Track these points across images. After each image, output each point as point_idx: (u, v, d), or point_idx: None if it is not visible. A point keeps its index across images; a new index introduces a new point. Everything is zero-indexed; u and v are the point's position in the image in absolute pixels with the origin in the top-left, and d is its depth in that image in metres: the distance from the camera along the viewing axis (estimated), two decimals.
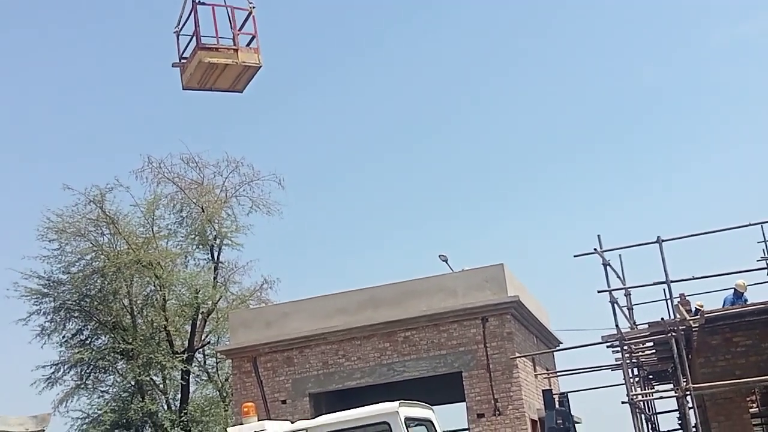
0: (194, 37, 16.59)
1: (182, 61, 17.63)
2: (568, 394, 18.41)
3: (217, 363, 29.85)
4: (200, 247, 29.77)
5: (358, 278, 54.28)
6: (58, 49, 54.53)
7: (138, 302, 28.88)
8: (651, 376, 22.78)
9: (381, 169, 59.36)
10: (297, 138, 57.10)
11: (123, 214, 28.59)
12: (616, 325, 16.96)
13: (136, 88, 54.93)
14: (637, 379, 21.00)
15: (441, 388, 20.74)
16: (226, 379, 28.67)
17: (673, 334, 16.31)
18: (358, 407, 13.51)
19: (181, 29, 17.30)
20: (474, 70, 59.25)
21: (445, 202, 57.20)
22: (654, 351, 19.28)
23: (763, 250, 22.75)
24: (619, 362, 18.47)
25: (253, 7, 17.35)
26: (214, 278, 29.16)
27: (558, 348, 24.56)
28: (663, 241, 16.46)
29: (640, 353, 19.57)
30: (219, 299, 29.12)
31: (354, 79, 59.62)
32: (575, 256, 17.24)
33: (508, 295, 20.02)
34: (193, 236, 29.53)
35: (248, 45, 17.19)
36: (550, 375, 22.61)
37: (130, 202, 28.80)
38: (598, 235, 17.05)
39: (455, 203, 57.09)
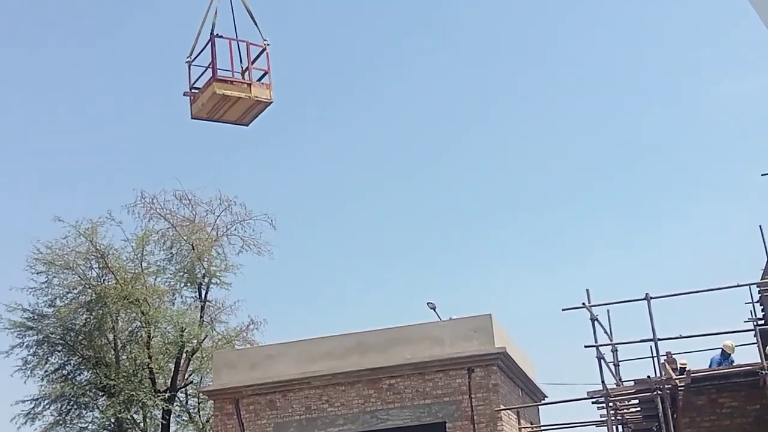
0: (210, 69, 17.09)
1: (193, 90, 18.23)
2: None
3: (199, 403, 29.59)
4: (188, 284, 29.68)
5: (346, 323, 54.16)
6: (52, 77, 54.86)
7: (122, 338, 28.72)
8: None
9: (373, 213, 59.52)
10: (291, 179, 57.25)
11: (113, 248, 28.57)
12: (602, 381, 16.89)
13: (133, 122, 55.17)
14: None
15: None
16: (208, 420, 28.39)
17: (659, 392, 16.25)
18: None
19: (193, 59, 17.81)
20: (462, 115, 59.71)
21: (436, 250, 57.20)
22: (639, 409, 19.18)
23: (751, 311, 22.83)
24: (603, 419, 18.37)
25: (268, 44, 17.99)
26: (201, 317, 29.02)
27: (543, 402, 24.41)
28: (651, 298, 16.47)
29: (625, 410, 19.46)
30: (204, 338, 28.94)
31: (348, 120, 60.05)
32: (563, 309, 17.24)
33: (495, 346, 19.94)
34: (181, 274, 29.46)
35: (260, 80, 17.75)
36: (534, 429, 22.44)
37: (121, 237, 28.82)
38: (587, 290, 17.08)
39: (446, 251, 57.09)
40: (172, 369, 28.51)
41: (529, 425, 22.43)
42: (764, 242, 21.48)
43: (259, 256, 30.09)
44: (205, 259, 29.22)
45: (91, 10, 54.03)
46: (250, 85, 17.63)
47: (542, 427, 22.19)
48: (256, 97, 17.72)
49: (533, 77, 60.28)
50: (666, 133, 58.83)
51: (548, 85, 59.90)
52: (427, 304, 24.12)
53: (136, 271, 28.53)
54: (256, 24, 18.14)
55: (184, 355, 28.43)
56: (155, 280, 29.25)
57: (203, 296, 29.50)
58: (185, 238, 29.25)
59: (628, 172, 58.27)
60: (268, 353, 21.93)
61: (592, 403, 17.93)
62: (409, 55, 60.65)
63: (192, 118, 18.39)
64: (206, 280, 29.46)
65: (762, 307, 23.31)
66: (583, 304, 17.01)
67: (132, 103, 55.41)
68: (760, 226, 21.32)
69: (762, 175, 18.33)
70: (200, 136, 55.51)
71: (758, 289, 22.63)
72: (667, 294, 17.03)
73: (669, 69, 58.58)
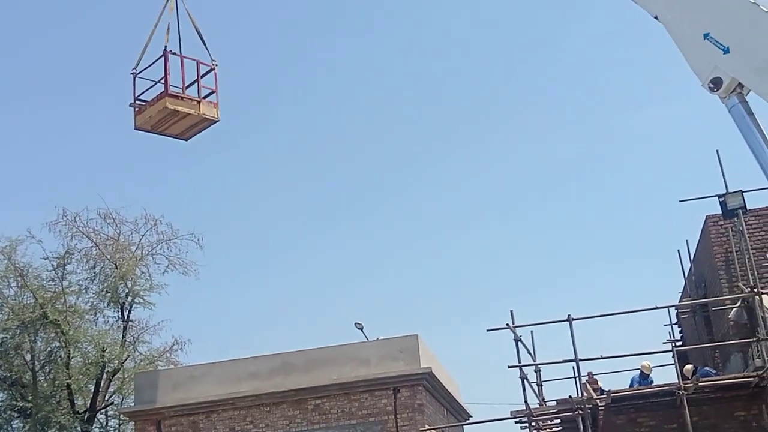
0: (162, 83, 17.77)
1: (138, 102, 18.49)
2: None
3: (119, 425, 28.93)
4: (111, 304, 29.09)
5: (272, 343, 53.60)
6: None
7: (41, 358, 27.94)
8: None
9: (300, 234, 59.26)
10: (219, 199, 56.70)
11: (33, 267, 27.87)
12: (525, 401, 17.03)
13: (55, 138, 53.97)
14: None
15: None
16: None
17: (580, 412, 16.46)
18: None
19: (139, 72, 18.37)
20: (386, 135, 60.12)
21: (365, 270, 57.25)
22: (561, 428, 19.40)
23: (669, 332, 23.41)
24: None
25: (216, 65, 18.53)
26: (123, 337, 28.46)
27: (467, 422, 24.54)
28: (573, 319, 16.70)
29: (548, 429, 19.66)
30: (126, 359, 28.36)
31: (279, 140, 59.88)
32: (488, 330, 17.34)
33: (421, 367, 20.00)
34: (104, 293, 28.86)
35: (206, 98, 18.40)
36: None
37: (41, 255, 28.10)
38: (511, 311, 17.23)
39: (373, 271, 57.20)
40: (93, 390, 27.82)
41: None
42: (682, 266, 22.12)
43: (185, 275, 29.70)
44: (129, 279, 28.71)
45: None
46: (199, 102, 18.10)
47: None
48: (204, 114, 18.42)
49: (450, 98, 61.13)
50: (590, 157, 60.23)
51: (474, 102, 60.76)
52: (355, 324, 24.10)
53: (57, 290, 27.87)
54: (204, 44, 18.94)
55: (105, 375, 27.82)
56: (77, 299, 28.66)
57: (126, 316, 28.94)
58: (109, 257, 28.72)
59: (551, 193, 59.44)
60: (192, 374, 21.59)
61: (515, 422, 18.04)
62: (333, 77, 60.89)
63: (135, 128, 19.09)
64: (129, 299, 28.91)
65: (680, 329, 23.94)
66: (507, 324, 17.16)
67: (56, 117, 54.32)
68: (678, 250, 21.96)
69: (680, 201, 18.82)
70: (127, 154, 54.55)
71: (676, 311, 23.29)
72: (588, 315, 17.32)
73: (590, 95, 60.08)
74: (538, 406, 18.14)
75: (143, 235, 29.59)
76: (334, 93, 60.93)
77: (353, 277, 57.37)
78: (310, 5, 58.56)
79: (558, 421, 18.53)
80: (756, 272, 16.99)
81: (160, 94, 18.12)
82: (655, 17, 10.31)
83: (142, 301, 28.99)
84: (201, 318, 47.03)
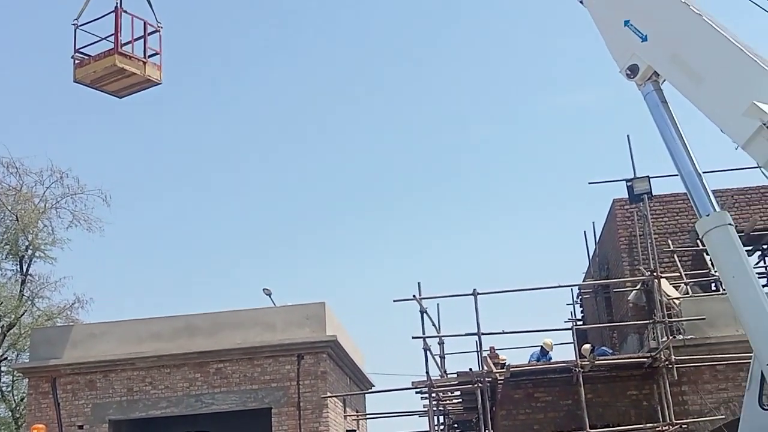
0: (113, 40, 17.99)
1: (79, 54, 18.63)
2: None
3: (13, 381, 28.10)
4: (10, 257, 28.14)
5: (179, 306, 52.74)
6: None
7: None
8: (456, 425, 23.26)
9: (213, 198, 58.40)
10: (131, 157, 55.30)
11: None
12: (427, 373, 17.24)
13: None
14: (442, 427, 21.40)
15: (249, 424, 20.34)
16: (22, 399, 26.99)
17: (480, 385, 16.74)
18: None
19: (81, 24, 18.45)
20: (308, 108, 59.72)
21: (276, 237, 56.91)
22: (461, 401, 19.74)
23: (571, 312, 24.01)
24: (426, 409, 18.76)
25: (161, 27, 19.02)
26: (21, 291, 27.56)
27: (369, 390, 24.73)
28: (478, 294, 16.94)
29: (448, 402, 19.98)
30: (23, 314, 27.52)
31: (195, 100, 58.70)
32: (395, 300, 17.45)
33: (327, 334, 20.00)
34: (3, 245, 27.89)
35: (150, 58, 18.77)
36: (359, 417, 22.68)
37: None
38: (418, 283, 17.35)
39: (286, 239, 56.89)
40: None
41: (355, 413, 22.66)
42: (587, 247, 22.67)
43: (90, 232, 28.94)
44: (31, 232, 27.81)
45: None
46: (145, 63, 18.43)
47: (367, 416, 22.46)
48: (149, 76, 19.02)
49: (370, 78, 61.02)
50: (505, 139, 61.03)
51: (388, 82, 60.76)
52: (263, 290, 23.90)
53: None
54: (150, 5, 18.95)
55: (0, 330, 26.91)
56: None
57: (25, 270, 28.04)
58: (9, 207, 27.72)
59: (465, 172, 60.08)
60: (91, 332, 21.08)
61: (416, 393, 18.27)
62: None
63: (74, 81, 18.88)
64: (30, 253, 28.03)
65: (581, 308, 24.59)
66: (414, 296, 17.30)
67: None
68: (584, 232, 22.49)
69: (589, 183, 19.22)
70: (35, 103, 52.58)
71: (578, 291, 23.89)
72: (493, 291, 17.59)
73: (504, 79, 60.73)
74: (439, 377, 18.40)
75: (47, 188, 28.74)
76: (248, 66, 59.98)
77: (263, 242, 57.01)
78: None
79: (458, 393, 18.84)
80: (657, 257, 17.51)
81: (110, 50, 18.21)
82: (581, 1, 10.42)
83: (43, 255, 28.22)
84: (105, 277, 46.08)
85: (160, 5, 19.33)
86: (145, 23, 18.67)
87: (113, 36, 18.39)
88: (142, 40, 18.89)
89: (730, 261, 8.87)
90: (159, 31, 18.89)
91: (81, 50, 18.61)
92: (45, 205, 28.55)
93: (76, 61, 18.72)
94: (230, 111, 58.50)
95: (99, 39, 18.40)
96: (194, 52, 55.00)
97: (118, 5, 18.33)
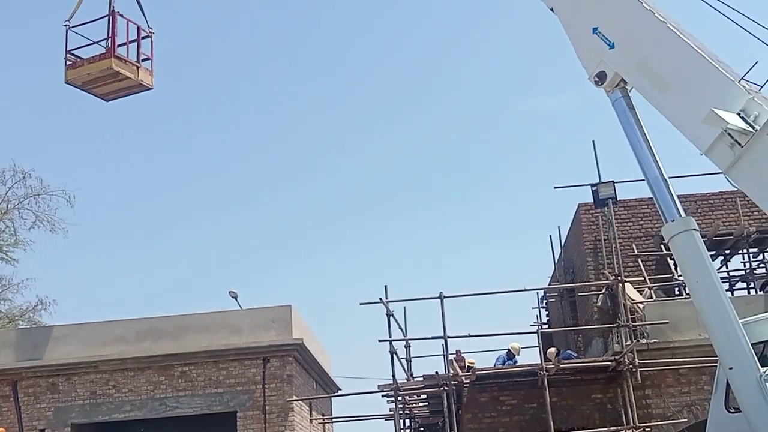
0: (109, 43, 18.20)
1: (71, 55, 18.70)
2: None
3: None
4: None
5: (142, 309, 52.21)
6: None
7: None
8: (422, 429, 23.31)
9: (180, 201, 57.97)
10: (94, 158, 54.69)
11: None
12: (393, 376, 17.25)
13: None
14: (408, 430, 21.43)
15: (214, 427, 20.19)
16: None
17: (445, 388, 16.79)
18: None
19: (73, 25, 18.50)
20: (283, 119, 59.55)
21: (244, 240, 56.59)
22: (427, 404, 19.78)
23: (537, 315, 24.18)
24: (392, 412, 18.77)
25: (153, 32, 19.25)
26: None
27: (336, 394, 24.69)
28: (444, 297, 17.00)
29: (414, 405, 20.01)
30: None
31: (167, 107, 58.24)
32: (361, 303, 17.44)
33: (293, 337, 19.93)
34: None
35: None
36: (326, 420, 22.63)
37: None
38: (385, 286, 17.38)
39: (254, 242, 56.60)
40: None
41: (321, 417, 22.60)
42: (553, 251, 22.85)
43: (53, 233, 28.58)
44: None
45: None
46: (138, 68, 18.42)
47: (333, 419, 22.41)
48: (141, 80, 19.06)
49: (341, 81, 61.00)
50: (469, 141, 61.29)
51: (359, 81, 60.77)
52: (229, 293, 23.65)
53: None
54: (142, 11, 19.08)
55: None
56: None
57: None
58: None
59: (434, 175, 60.24)
60: (54, 334, 20.78)
61: (382, 396, 18.27)
62: None
63: (66, 82, 18.90)
64: None
65: (547, 312, 24.78)
66: (381, 299, 17.31)
67: None
68: (550, 236, 22.66)
69: (555, 187, 19.36)
70: None
71: (544, 294, 24.07)
72: (459, 294, 17.66)
73: (472, 82, 61.05)
74: (405, 381, 18.42)
75: (10, 188, 28.35)
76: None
77: (230, 244, 56.64)
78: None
79: (424, 396, 18.87)
80: (621, 261, 17.70)
81: (105, 53, 18.32)
82: (551, 9, 10.51)
83: (4, 256, 27.86)
84: (68, 279, 45.51)
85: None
86: (138, 28, 18.84)
87: (109, 39, 18.49)
88: (135, 44, 19.03)
89: (694, 266, 8.97)
90: (150, 36, 19.09)
91: (72, 51, 18.65)
92: (7, 206, 28.21)
93: (68, 63, 18.71)
94: (199, 113, 58.18)
95: (92, 42, 18.61)
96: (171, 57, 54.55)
97: (114, 9, 18.48)
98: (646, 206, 19.66)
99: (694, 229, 9.10)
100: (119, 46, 18.72)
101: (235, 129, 59.13)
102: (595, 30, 9.85)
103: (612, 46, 9.74)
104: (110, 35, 18.32)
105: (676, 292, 19.29)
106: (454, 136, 60.85)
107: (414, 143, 59.44)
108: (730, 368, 8.60)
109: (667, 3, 10.02)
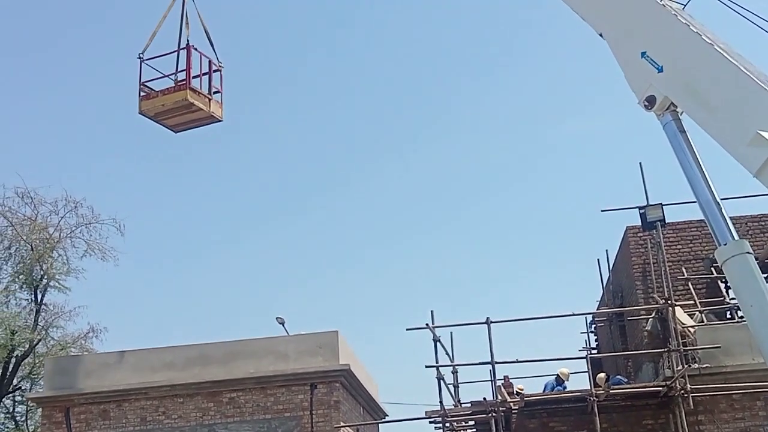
0: (185, 75, 18.69)
1: (146, 88, 19.29)
2: None
3: (27, 411, 28.09)
4: (25, 286, 28.27)
5: (191, 335, 52.69)
6: None
7: None
8: None
9: (225, 228, 58.53)
10: (143, 186, 55.59)
11: None
12: (441, 402, 17.18)
13: None
14: None
15: None
16: (35, 430, 26.97)
17: (494, 414, 16.67)
18: None
19: (147, 58, 19.14)
20: (314, 134, 59.97)
21: (289, 266, 56.89)
22: (475, 430, 19.61)
23: (585, 340, 23.91)
24: None
25: (222, 66, 19.77)
26: (35, 321, 27.62)
27: (383, 420, 24.61)
28: (492, 322, 16.92)
29: (462, 431, 19.85)
30: (37, 343, 27.53)
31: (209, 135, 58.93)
32: (408, 329, 17.46)
33: (340, 363, 19.95)
34: (18, 275, 28.03)
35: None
36: None
37: None
38: (431, 311, 17.36)
39: (298, 268, 56.89)
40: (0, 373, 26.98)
41: None
42: (600, 275, 22.61)
43: (104, 261, 29.03)
44: (45, 261, 27.93)
45: None
46: (210, 100, 18.93)
47: None
48: (213, 113, 19.37)
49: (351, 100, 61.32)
50: (520, 165, 61.09)
51: (391, 101, 61.02)
52: (276, 319, 23.87)
53: None
54: (212, 45, 20.03)
55: (14, 359, 26.96)
56: None
57: (39, 299, 28.12)
58: (24, 237, 27.88)
59: (480, 199, 60.13)
60: (105, 361, 21.09)
61: (430, 422, 18.16)
62: None
63: (139, 113, 19.40)
64: (44, 282, 28.13)
65: (596, 337, 24.49)
66: (427, 324, 17.29)
67: None
68: (598, 259, 22.43)
69: (602, 210, 19.23)
70: (48, 134, 53.06)
71: (592, 319, 23.80)
72: (507, 319, 17.56)
73: (515, 105, 60.92)
74: (453, 407, 18.32)
75: (62, 218, 28.85)
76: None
77: (277, 271, 57.00)
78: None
79: (472, 423, 18.73)
80: (671, 285, 17.45)
81: (180, 84, 18.83)
82: (600, 34, 10.54)
83: (57, 285, 28.27)
84: (119, 306, 46.09)
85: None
86: (210, 61, 19.34)
87: (185, 71, 18.99)
88: (206, 77, 19.56)
89: (749, 289, 8.86)
90: (220, 70, 19.58)
91: (146, 83, 19.19)
92: (60, 235, 28.67)
93: (142, 94, 19.18)
94: (248, 142, 58.90)
95: (163, 75, 19.24)
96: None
97: (188, 42, 19.08)
98: (695, 228, 19.40)
99: (748, 252, 9.00)
100: (195, 77, 19.22)
101: (282, 157, 59.73)
102: (643, 54, 9.86)
103: (660, 70, 9.73)
104: (186, 67, 18.79)
105: (728, 316, 18.95)
106: (499, 161, 60.72)
107: (459, 166, 59.42)
108: None
109: (716, 19, 10.01)
